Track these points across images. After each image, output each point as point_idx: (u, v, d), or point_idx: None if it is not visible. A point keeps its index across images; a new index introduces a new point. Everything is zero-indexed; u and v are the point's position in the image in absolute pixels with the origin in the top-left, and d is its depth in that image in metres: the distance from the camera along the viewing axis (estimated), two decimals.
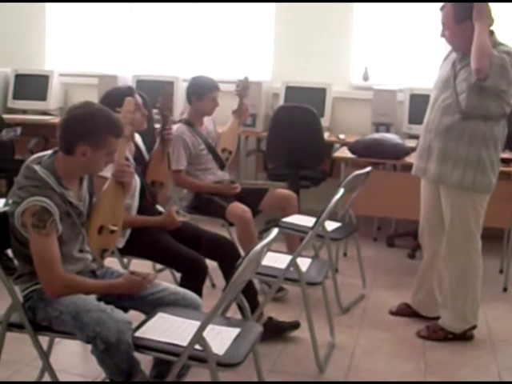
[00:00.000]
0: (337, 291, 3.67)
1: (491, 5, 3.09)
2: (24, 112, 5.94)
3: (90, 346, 2.16)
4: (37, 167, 2.27)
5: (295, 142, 4.87)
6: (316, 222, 3.08)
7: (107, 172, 2.56)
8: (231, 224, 3.83)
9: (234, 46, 5.93)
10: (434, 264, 3.48)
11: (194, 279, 2.87)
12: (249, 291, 2.82)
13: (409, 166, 3.68)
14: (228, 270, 2.93)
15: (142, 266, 3.13)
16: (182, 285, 2.80)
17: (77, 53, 6.30)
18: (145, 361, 2.34)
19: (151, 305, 2.40)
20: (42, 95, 5.90)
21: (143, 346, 2.16)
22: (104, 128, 2.29)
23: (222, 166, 4.04)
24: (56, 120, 5.36)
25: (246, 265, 2.05)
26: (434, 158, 3.27)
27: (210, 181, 3.93)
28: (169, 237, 3.03)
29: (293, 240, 3.89)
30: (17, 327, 2.33)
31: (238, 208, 3.74)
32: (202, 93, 3.88)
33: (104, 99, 3.00)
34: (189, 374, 2.58)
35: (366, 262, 4.17)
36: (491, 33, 3.12)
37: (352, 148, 4.49)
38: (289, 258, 3.01)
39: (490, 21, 3.10)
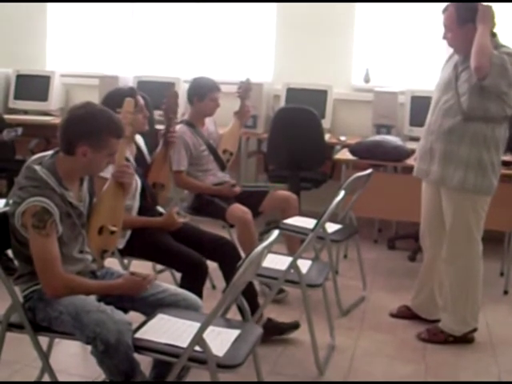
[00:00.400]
0: (337, 293, 3.66)
1: (494, 8, 3.09)
2: (25, 112, 5.95)
3: (89, 347, 2.16)
4: (37, 167, 2.27)
5: (296, 144, 4.86)
6: (317, 224, 3.08)
7: (107, 173, 2.56)
8: (232, 225, 3.83)
9: (236, 48, 5.93)
10: (435, 266, 3.48)
11: (194, 279, 2.87)
12: (249, 293, 2.82)
13: (410, 168, 3.68)
14: (228, 272, 2.93)
15: (142, 266, 3.13)
16: (182, 286, 2.80)
17: (78, 53, 6.30)
18: (144, 362, 2.34)
19: (151, 306, 2.40)
20: (43, 96, 5.90)
21: (143, 347, 2.16)
22: (105, 129, 2.29)
23: (222, 168, 4.04)
24: (57, 120, 5.36)
25: (246, 266, 2.05)
26: (435, 160, 3.26)
27: (211, 182, 3.93)
28: (169, 237, 3.03)
29: (293, 242, 3.89)
30: (17, 327, 2.33)
31: (239, 209, 3.74)
32: (203, 93, 3.88)
33: (105, 100, 3.00)
34: (188, 375, 2.58)
35: (366, 264, 4.17)
36: (493, 35, 3.13)
37: (353, 150, 4.49)
38: (289, 259, 3.01)
39: (492, 24, 3.11)
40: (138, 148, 3.22)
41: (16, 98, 5.97)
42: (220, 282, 3.32)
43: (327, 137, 5.12)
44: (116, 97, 2.89)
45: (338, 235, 3.78)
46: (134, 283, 2.34)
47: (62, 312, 2.22)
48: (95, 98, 4.07)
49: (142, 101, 3.08)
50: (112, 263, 2.75)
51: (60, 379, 2.42)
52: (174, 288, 2.54)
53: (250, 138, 5.50)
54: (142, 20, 6.15)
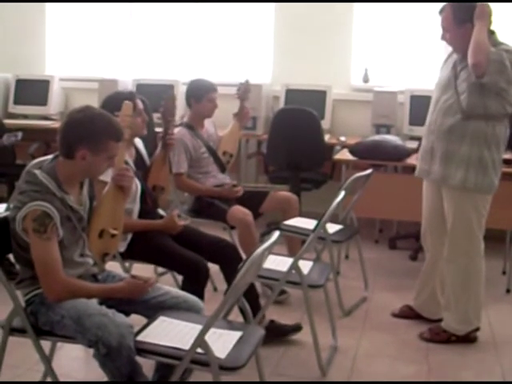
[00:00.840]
0: (339, 294, 3.66)
1: (492, 6, 3.10)
2: (25, 117, 5.94)
3: (91, 350, 2.16)
4: (37, 172, 2.27)
5: (296, 145, 4.86)
6: (317, 225, 3.07)
7: (107, 176, 2.56)
8: (232, 227, 3.83)
9: (234, 49, 5.93)
10: (437, 266, 3.47)
11: (195, 282, 2.87)
12: (250, 294, 2.82)
13: (410, 168, 3.69)
14: (229, 273, 2.93)
15: (143, 269, 3.13)
16: (183, 288, 2.80)
17: (77, 57, 6.29)
18: (147, 365, 2.34)
19: (153, 308, 2.40)
20: (42, 100, 5.90)
21: (145, 349, 2.16)
22: (104, 132, 2.29)
23: (222, 169, 4.05)
24: (57, 125, 5.36)
25: (247, 268, 2.05)
26: (437, 159, 3.26)
27: (211, 184, 3.93)
28: (170, 240, 3.03)
29: (294, 243, 3.89)
30: (19, 332, 2.33)
31: (239, 211, 3.73)
32: (200, 95, 3.89)
33: (105, 103, 3.00)
34: (191, 377, 2.58)
35: (367, 265, 4.16)
36: (492, 32, 3.13)
37: (353, 150, 4.49)
38: (290, 260, 3.01)
39: (489, 22, 3.11)
40: (138, 151, 3.23)
41: (16, 102, 5.97)
42: (221, 284, 3.31)
43: (327, 137, 5.12)
44: (115, 100, 2.89)
45: (339, 236, 3.78)
46: (135, 286, 2.34)
47: (63, 316, 2.22)
48: (95, 102, 4.07)
49: (140, 105, 3.08)
50: (113, 266, 2.75)
51: None
52: (175, 290, 2.54)
53: (249, 139, 5.50)
54: (140, 23, 6.14)
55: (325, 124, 5.22)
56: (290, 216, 3.96)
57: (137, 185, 2.99)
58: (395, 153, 4.39)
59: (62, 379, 2.41)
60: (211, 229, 3.52)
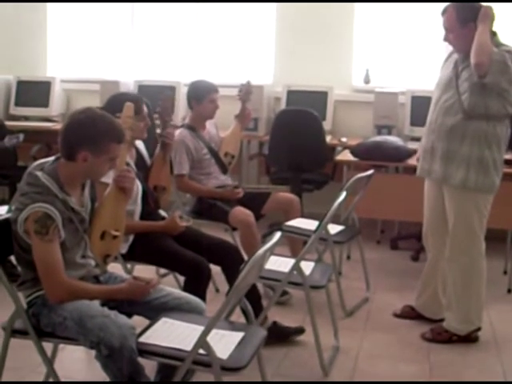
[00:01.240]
0: (340, 294, 3.66)
1: (492, 6, 3.10)
2: (26, 119, 5.95)
3: (93, 352, 2.16)
4: (39, 173, 2.28)
5: (297, 146, 4.86)
6: (319, 226, 3.07)
7: (109, 178, 2.56)
8: (234, 228, 3.83)
9: (236, 51, 5.94)
10: (438, 266, 3.47)
11: (197, 283, 2.87)
12: (252, 295, 2.82)
13: (411, 168, 3.69)
14: (231, 275, 2.93)
15: (145, 271, 3.13)
16: (185, 289, 2.81)
17: (78, 59, 6.30)
18: (149, 366, 2.34)
19: (155, 310, 2.40)
20: (44, 102, 5.90)
21: (147, 351, 2.16)
22: (105, 134, 2.29)
23: (224, 171, 4.05)
24: (58, 126, 5.36)
25: (249, 269, 2.05)
26: (437, 158, 3.26)
27: (213, 185, 3.94)
28: (172, 241, 3.03)
29: (296, 243, 3.89)
30: (21, 333, 2.33)
31: (241, 212, 3.74)
32: (201, 96, 3.89)
33: (108, 104, 3.00)
34: (193, 378, 2.58)
35: (369, 265, 4.16)
36: (494, 34, 3.13)
37: (354, 151, 4.49)
38: (292, 261, 3.01)
39: (492, 24, 3.11)
40: (139, 152, 3.23)
41: (17, 104, 5.97)
42: (223, 286, 3.31)
43: (328, 138, 5.11)
44: (118, 101, 2.87)
45: (341, 236, 3.78)
46: (137, 287, 2.34)
47: (65, 317, 2.22)
48: (96, 104, 4.07)
49: (146, 110, 3.09)
50: (115, 268, 2.75)
51: None
52: (177, 292, 2.55)
53: (251, 140, 5.50)
54: (141, 24, 6.15)
55: (326, 125, 5.22)
56: (292, 217, 3.96)
57: (138, 186, 2.99)
58: (396, 153, 4.40)
59: (63, 381, 2.41)
60: (213, 230, 3.52)
